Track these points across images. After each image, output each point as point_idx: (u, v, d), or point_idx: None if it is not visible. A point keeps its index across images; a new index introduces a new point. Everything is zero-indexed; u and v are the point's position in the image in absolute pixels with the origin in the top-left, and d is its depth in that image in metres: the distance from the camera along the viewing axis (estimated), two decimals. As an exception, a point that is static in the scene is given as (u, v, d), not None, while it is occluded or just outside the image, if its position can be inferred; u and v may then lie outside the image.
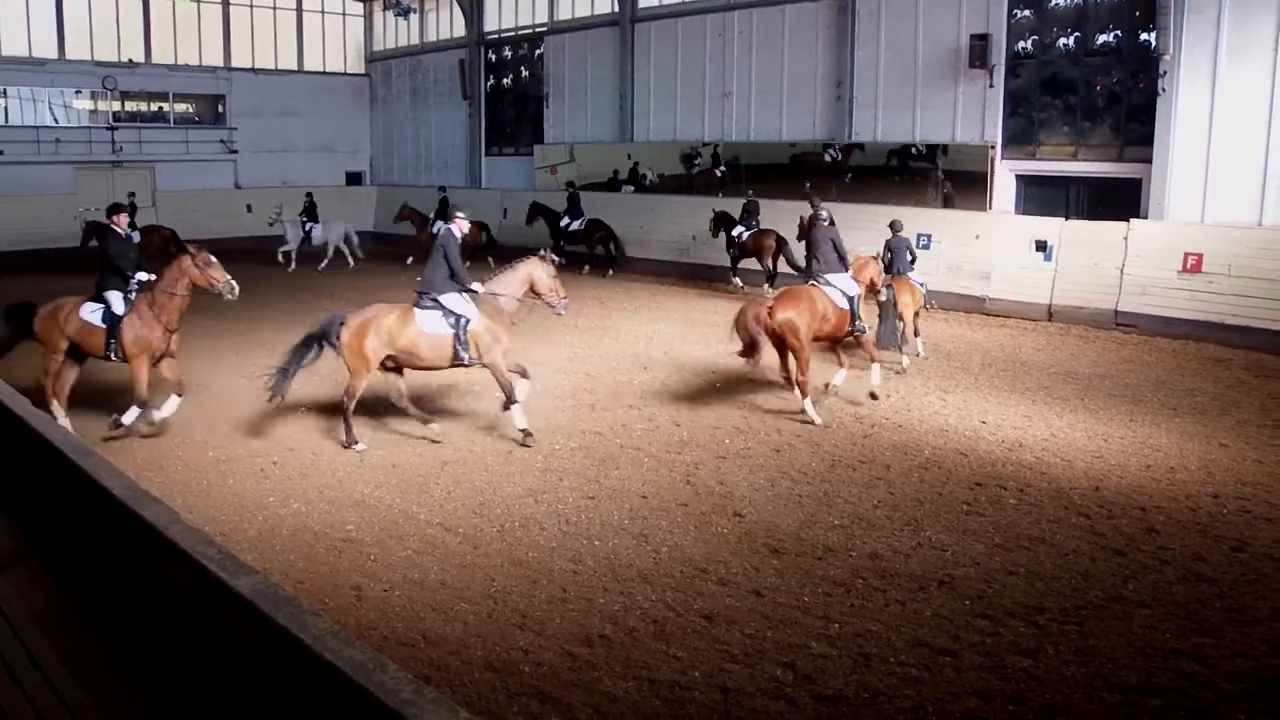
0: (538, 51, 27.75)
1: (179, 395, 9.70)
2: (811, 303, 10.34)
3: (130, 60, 28.55)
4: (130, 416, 9.55)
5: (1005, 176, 18.41)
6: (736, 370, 12.76)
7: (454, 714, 2.63)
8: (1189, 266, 14.92)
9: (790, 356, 10.45)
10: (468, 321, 9.41)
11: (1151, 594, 6.35)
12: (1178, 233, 15.35)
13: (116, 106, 28.64)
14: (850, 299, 10.65)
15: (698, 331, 15.49)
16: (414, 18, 31.06)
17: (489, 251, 23.69)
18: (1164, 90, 15.86)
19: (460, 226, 9.84)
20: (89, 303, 9.59)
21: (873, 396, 11.10)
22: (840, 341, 11.02)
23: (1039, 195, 18.26)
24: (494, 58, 29.30)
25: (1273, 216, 14.95)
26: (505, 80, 29.10)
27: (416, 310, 9.45)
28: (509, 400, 9.60)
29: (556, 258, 20.11)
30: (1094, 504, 7.98)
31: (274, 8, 30.84)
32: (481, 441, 9.73)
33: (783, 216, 18.35)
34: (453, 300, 9.45)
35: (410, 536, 7.39)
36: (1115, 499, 8.09)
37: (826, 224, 11.09)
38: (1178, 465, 8.95)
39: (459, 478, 8.70)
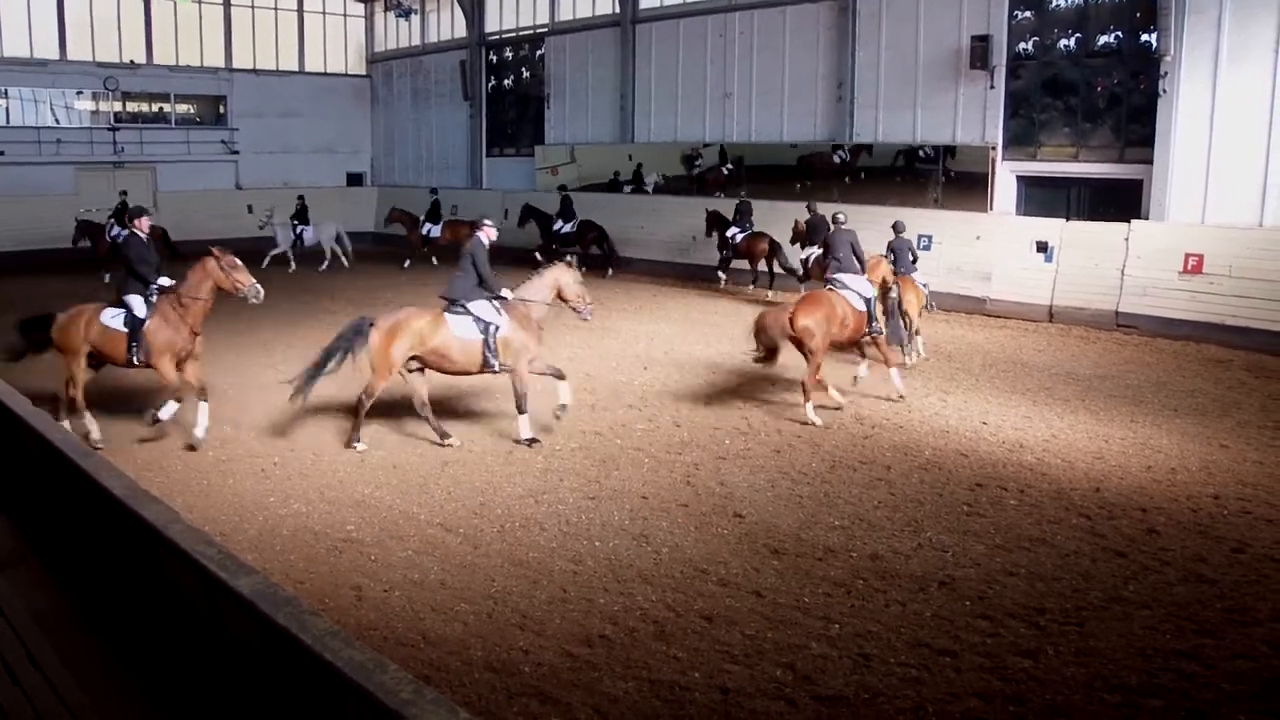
0: (539, 52, 27.76)
1: (203, 400, 9.51)
2: (831, 308, 10.47)
3: (132, 61, 28.58)
4: (167, 411, 9.35)
5: (1006, 177, 18.41)
6: (737, 370, 12.77)
7: (454, 714, 2.63)
8: (1190, 267, 14.91)
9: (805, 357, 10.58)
10: (497, 328, 9.48)
11: (1152, 595, 6.34)
12: (1178, 234, 15.35)
13: (118, 107, 28.67)
14: (867, 301, 10.80)
15: (698, 332, 15.49)
16: (415, 19, 31.07)
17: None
18: (1165, 91, 15.86)
19: (488, 234, 9.88)
20: (109, 308, 9.43)
21: (900, 398, 11.17)
22: (858, 344, 11.19)
23: (1040, 196, 18.26)
24: (495, 58, 29.31)
25: (1273, 218, 14.95)
26: (506, 81, 29.11)
27: (448, 315, 9.51)
28: (519, 408, 9.65)
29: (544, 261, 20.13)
30: (1095, 505, 7.98)
31: (275, 9, 30.86)
32: (482, 442, 9.73)
33: (789, 218, 18.28)
34: (482, 308, 9.51)
35: (410, 537, 7.39)
36: (1116, 500, 8.09)
37: (845, 226, 11.27)
38: (1179, 466, 8.95)
39: (459, 478, 8.70)
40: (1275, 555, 6.96)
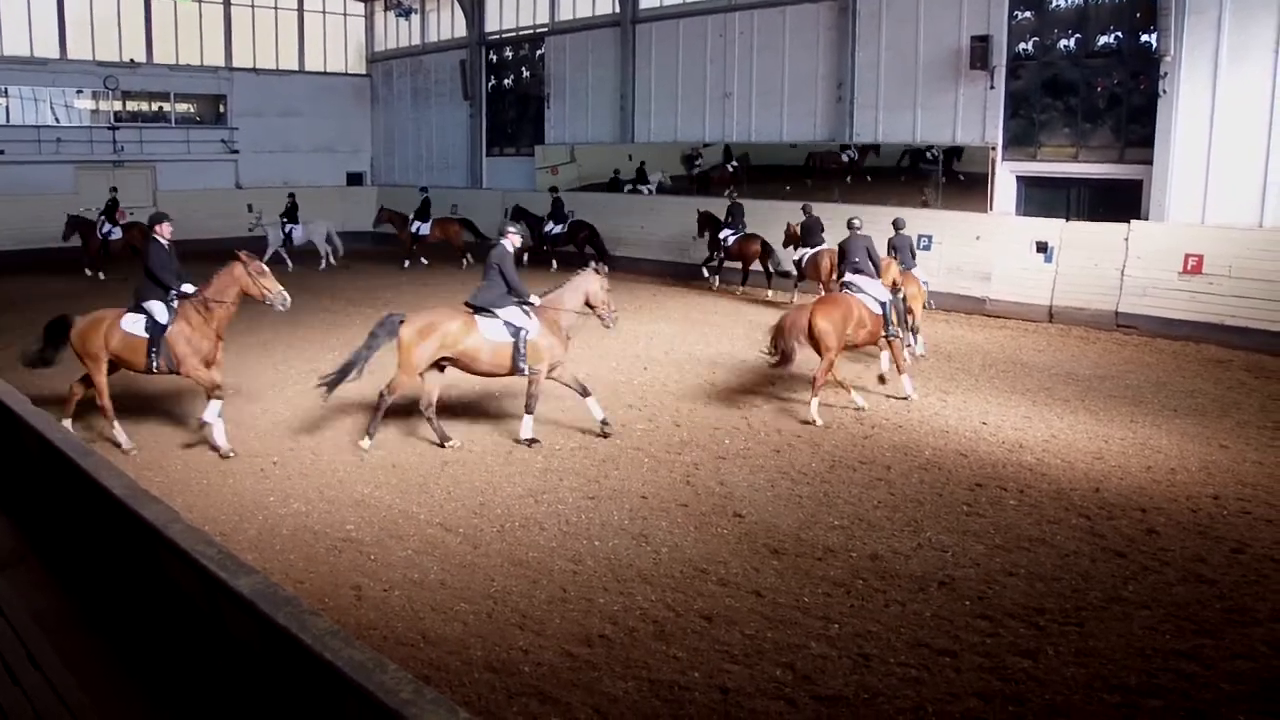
0: (539, 52, 27.75)
1: (219, 400, 9.42)
2: (849, 310, 10.62)
3: (132, 60, 28.56)
4: (211, 412, 9.29)
5: (1006, 178, 18.40)
6: (736, 370, 12.78)
7: (454, 714, 2.63)
8: (1189, 268, 14.91)
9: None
10: (528, 333, 9.55)
11: (1151, 595, 6.35)
12: (1178, 234, 15.35)
13: (118, 106, 28.64)
14: (883, 305, 10.94)
15: (697, 331, 15.50)
16: (415, 18, 31.06)
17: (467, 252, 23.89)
18: (1164, 92, 15.86)
19: (513, 241, 9.91)
20: (129, 314, 9.34)
21: (906, 398, 11.24)
22: (875, 344, 11.31)
23: (1040, 196, 18.26)
24: (495, 58, 29.30)
25: (1273, 218, 14.94)
26: (506, 81, 29.10)
27: (478, 317, 9.57)
28: (527, 409, 9.72)
29: (542, 263, 20.14)
30: (1094, 505, 7.98)
31: (275, 8, 30.84)
32: (482, 442, 9.73)
33: (791, 218, 18.27)
34: (513, 313, 9.58)
35: (410, 536, 7.40)
36: (1115, 500, 8.09)
37: (860, 232, 11.38)
38: (1178, 466, 8.95)
39: (459, 478, 8.70)
40: (1275, 555, 6.96)
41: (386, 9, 31.59)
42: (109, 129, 28.17)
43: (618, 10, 25.03)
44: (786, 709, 5.08)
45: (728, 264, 19.78)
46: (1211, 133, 15.47)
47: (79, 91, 28.24)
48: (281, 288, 9.41)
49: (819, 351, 10.53)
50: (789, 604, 6.27)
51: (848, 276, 11.14)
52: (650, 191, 24.33)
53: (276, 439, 9.81)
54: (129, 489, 4.53)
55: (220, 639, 3.70)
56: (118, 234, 22.00)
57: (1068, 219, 17.01)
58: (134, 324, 9.30)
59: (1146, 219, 16.05)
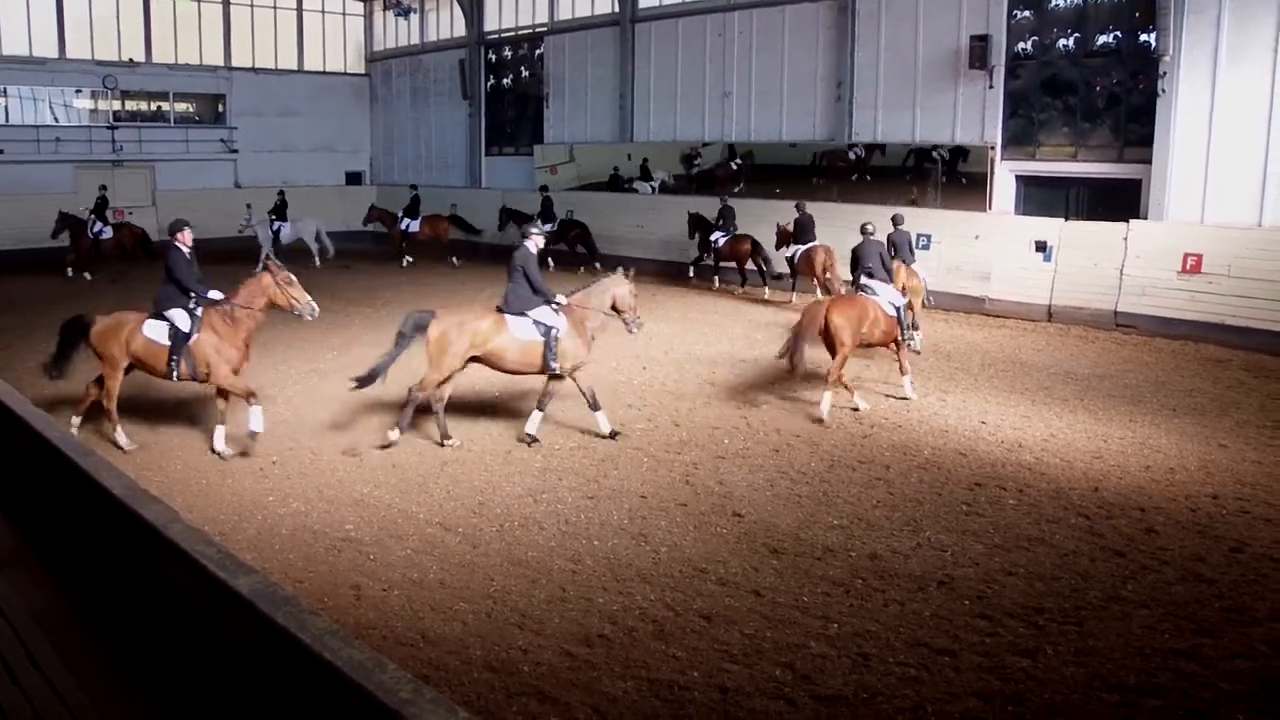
0: (538, 51, 27.75)
1: (258, 405, 9.36)
2: (864, 310, 10.74)
3: (131, 59, 28.54)
4: (257, 420, 9.23)
5: (1005, 177, 18.41)
6: (736, 370, 12.78)
7: (453, 714, 2.63)
8: (1188, 267, 14.92)
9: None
10: (558, 331, 9.59)
11: (1150, 594, 6.35)
12: (1177, 233, 15.35)
13: (117, 106, 28.63)
14: (898, 309, 11.07)
15: (697, 331, 15.49)
16: (414, 18, 31.06)
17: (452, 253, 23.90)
18: (1164, 91, 15.86)
19: (536, 242, 9.93)
20: (151, 320, 9.29)
21: (904, 399, 11.30)
22: (887, 346, 11.36)
23: (1039, 196, 18.27)
24: (494, 58, 29.30)
25: (1272, 217, 14.95)
26: (505, 80, 29.10)
27: (508, 316, 9.61)
28: (540, 405, 9.80)
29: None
30: (1093, 504, 7.99)
31: (274, 7, 30.83)
32: (481, 441, 9.73)
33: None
34: (543, 313, 9.63)
35: (409, 536, 7.40)
36: (1114, 499, 8.09)
37: (874, 237, 11.49)
38: (1177, 466, 8.95)
39: (458, 477, 8.70)
40: (1274, 555, 6.97)
41: (385, 8, 31.60)
42: (108, 128, 28.16)
43: (617, 10, 25.03)
44: (786, 708, 5.08)
45: (724, 265, 19.81)
46: (1211, 132, 15.47)
47: (78, 91, 28.23)
48: (310, 298, 9.39)
49: (833, 349, 10.57)
50: (788, 603, 6.27)
51: (862, 280, 11.23)
52: (654, 189, 24.31)
53: (276, 439, 9.80)
54: (129, 489, 4.53)
55: (220, 639, 3.70)
56: (109, 233, 21.85)
57: (1067, 218, 17.02)
58: (156, 330, 9.24)
59: (1145, 218, 16.06)
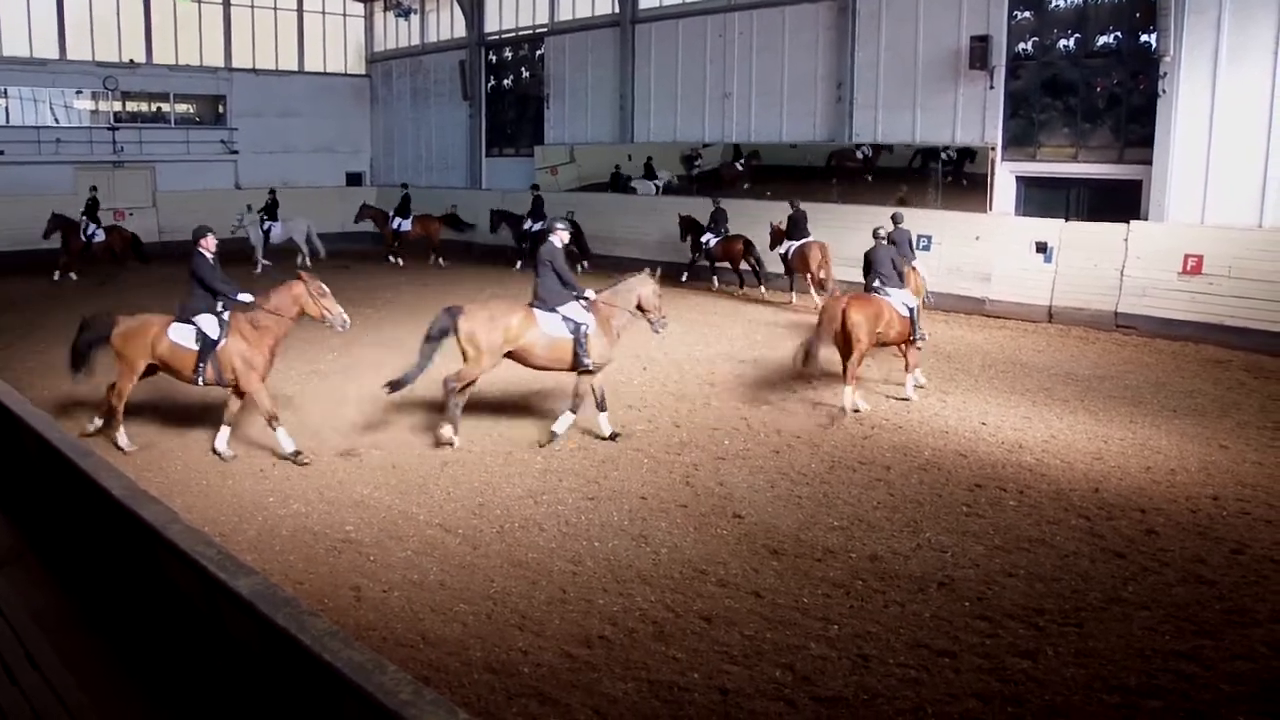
0: (538, 52, 27.75)
1: (281, 428, 9.28)
2: (880, 309, 10.90)
3: (131, 60, 28.53)
4: (285, 442, 9.14)
5: (1005, 178, 18.40)
6: (735, 371, 12.78)
7: (453, 715, 2.63)
8: (1189, 268, 14.91)
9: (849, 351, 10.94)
10: (587, 328, 9.61)
11: (1151, 596, 6.35)
12: (1178, 234, 15.34)
13: (117, 107, 28.61)
14: (910, 310, 11.19)
15: (696, 332, 15.48)
16: (414, 18, 31.05)
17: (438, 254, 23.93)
18: (1164, 92, 15.85)
19: (560, 237, 9.94)
20: (177, 324, 9.22)
21: (906, 399, 11.36)
22: (899, 346, 11.48)
23: (1039, 197, 18.25)
24: (494, 58, 29.30)
25: (1273, 218, 14.94)
26: (506, 81, 29.10)
27: (537, 311, 9.63)
28: (600, 404, 9.82)
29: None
30: (1094, 506, 7.98)
31: (275, 8, 30.82)
32: (481, 442, 9.72)
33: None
34: (572, 309, 9.65)
35: (409, 537, 7.39)
36: (1115, 501, 8.09)
37: (885, 242, 11.62)
38: (1177, 467, 8.95)
39: (458, 479, 8.70)
40: (1274, 556, 6.96)
41: (386, 9, 31.58)
42: (108, 129, 28.15)
43: (617, 10, 25.03)
44: (786, 710, 5.08)
45: (719, 266, 19.82)
46: (1211, 133, 15.46)
47: (78, 92, 28.21)
48: (341, 309, 9.36)
49: (850, 346, 10.67)
50: (788, 605, 6.27)
51: (875, 284, 11.34)
52: (659, 188, 24.27)
53: (272, 440, 9.78)
54: (128, 489, 4.53)
55: (219, 639, 3.70)
56: (100, 236, 21.71)
57: (1067, 219, 17.00)
58: (183, 335, 9.17)
59: (1146, 219, 16.05)
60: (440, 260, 23.97)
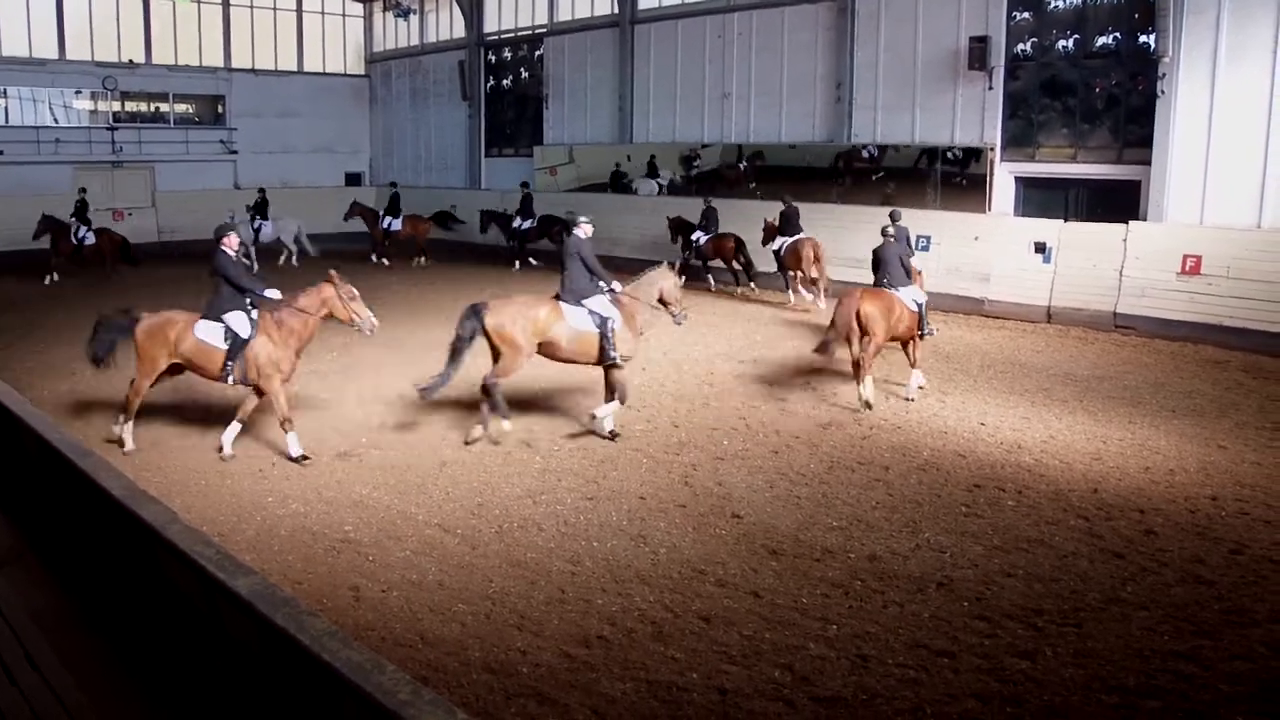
0: (537, 53, 27.76)
1: (293, 432, 9.25)
2: (891, 303, 11.07)
3: (130, 61, 28.54)
4: (295, 446, 9.12)
5: (1004, 178, 18.41)
6: (734, 371, 12.79)
7: (452, 715, 2.63)
8: (1188, 268, 14.92)
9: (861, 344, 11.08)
10: (614, 322, 9.67)
11: (1150, 596, 6.35)
12: (1177, 235, 15.35)
13: (116, 107, 28.61)
14: (919, 305, 11.33)
15: (695, 332, 15.48)
16: (414, 19, 31.05)
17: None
18: (1163, 92, 15.87)
19: (585, 230, 9.97)
20: (203, 321, 9.15)
21: (909, 399, 11.40)
22: (907, 342, 11.56)
23: (1038, 197, 18.26)
24: (494, 59, 29.31)
25: (1271, 219, 14.95)
26: (505, 81, 29.11)
27: (563, 305, 9.68)
28: (621, 398, 9.86)
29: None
30: (1092, 506, 7.98)
31: (274, 9, 30.83)
32: (480, 443, 9.72)
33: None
34: (598, 303, 9.70)
35: (408, 537, 7.40)
36: (1114, 501, 8.09)
37: (894, 240, 11.71)
38: (1176, 467, 8.95)
39: (457, 479, 8.70)
40: (1273, 556, 6.97)
41: (385, 10, 31.59)
42: (108, 129, 28.15)
43: (616, 11, 25.03)
44: (785, 710, 5.08)
45: (712, 265, 19.86)
46: (1210, 133, 15.48)
47: (78, 92, 28.21)
48: (370, 313, 9.34)
49: (865, 339, 10.80)
50: (787, 605, 6.27)
51: (884, 281, 11.43)
52: (661, 187, 24.26)
53: (275, 440, 9.78)
54: (128, 489, 4.53)
55: (218, 639, 3.70)
56: (91, 239, 21.58)
57: (1066, 219, 17.01)
58: (210, 332, 9.11)
59: (1145, 220, 16.06)
60: (423, 260, 23.89)
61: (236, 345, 9.06)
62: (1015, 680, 5.33)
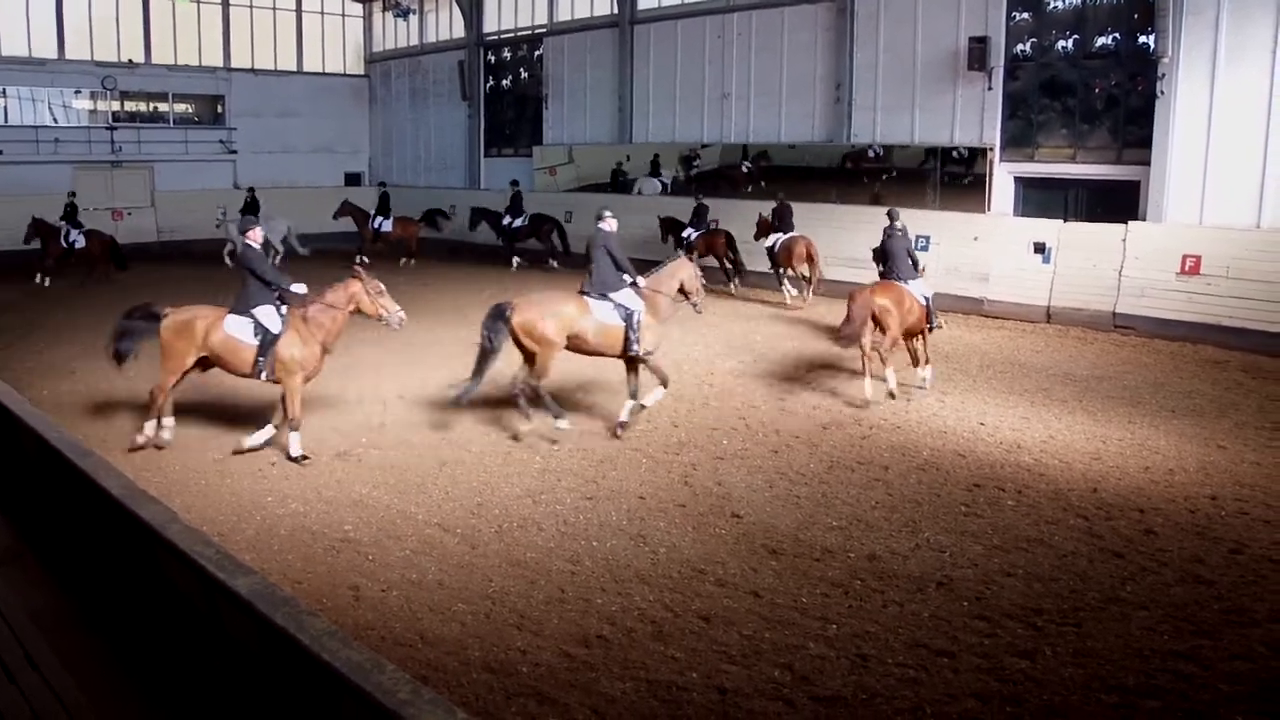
0: (537, 53, 27.76)
1: (296, 432, 9.21)
2: (902, 295, 11.21)
3: (130, 60, 28.53)
4: (296, 447, 9.09)
5: (1004, 178, 18.42)
6: (733, 371, 12.78)
7: (451, 714, 2.63)
8: (1187, 268, 14.92)
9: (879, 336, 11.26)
10: (639, 314, 9.74)
11: (1149, 596, 6.35)
12: (1176, 235, 15.35)
13: (116, 106, 28.60)
14: (927, 299, 11.49)
15: (694, 332, 15.47)
16: (413, 19, 31.05)
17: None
18: (1162, 93, 15.87)
19: (610, 224, 10.04)
20: (232, 315, 9.10)
21: (920, 387, 11.62)
22: (913, 336, 11.69)
23: (1037, 197, 18.26)
24: (493, 59, 29.31)
25: (1271, 219, 14.95)
26: (504, 81, 29.11)
27: (589, 299, 9.74)
28: (663, 381, 10.01)
29: (517, 260, 19.82)
30: (1092, 506, 7.98)
31: (273, 8, 30.83)
32: (480, 442, 9.73)
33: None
34: (624, 296, 9.77)
35: (408, 537, 7.39)
36: (1113, 501, 8.09)
37: (900, 234, 11.81)
38: (1176, 467, 8.95)
39: (457, 478, 8.69)
40: (1273, 556, 6.97)
41: (385, 10, 31.58)
42: (107, 129, 28.14)
43: (616, 11, 25.03)
44: (785, 709, 5.08)
45: (703, 263, 19.88)
46: (1209, 134, 15.48)
47: (77, 92, 28.20)
48: (399, 307, 9.34)
49: (881, 331, 10.94)
50: (787, 604, 6.27)
51: (893, 275, 11.56)
52: (665, 186, 24.24)
53: (275, 438, 9.78)
54: (127, 489, 4.53)
55: (218, 639, 3.70)
56: (82, 241, 21.50)
57: (1065, 220, 17.00)
58: (240, 327, 9.05)
59: (1144, 220, 16.06)
60: (411, 261, 23.83)
61: (268, 340, 9.02)
62: (1015, 680, 5.33)
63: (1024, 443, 9.72)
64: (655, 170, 24.39)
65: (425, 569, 6.81)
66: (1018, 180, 18.41)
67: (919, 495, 8.28)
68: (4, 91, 27.05)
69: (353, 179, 32.39)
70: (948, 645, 5.71)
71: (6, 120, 27.06)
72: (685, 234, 19.72)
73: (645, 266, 10.41)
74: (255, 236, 9.41)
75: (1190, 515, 7.77)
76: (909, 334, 11.60)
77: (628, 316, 9.71)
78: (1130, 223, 15.88)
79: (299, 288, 9.26)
